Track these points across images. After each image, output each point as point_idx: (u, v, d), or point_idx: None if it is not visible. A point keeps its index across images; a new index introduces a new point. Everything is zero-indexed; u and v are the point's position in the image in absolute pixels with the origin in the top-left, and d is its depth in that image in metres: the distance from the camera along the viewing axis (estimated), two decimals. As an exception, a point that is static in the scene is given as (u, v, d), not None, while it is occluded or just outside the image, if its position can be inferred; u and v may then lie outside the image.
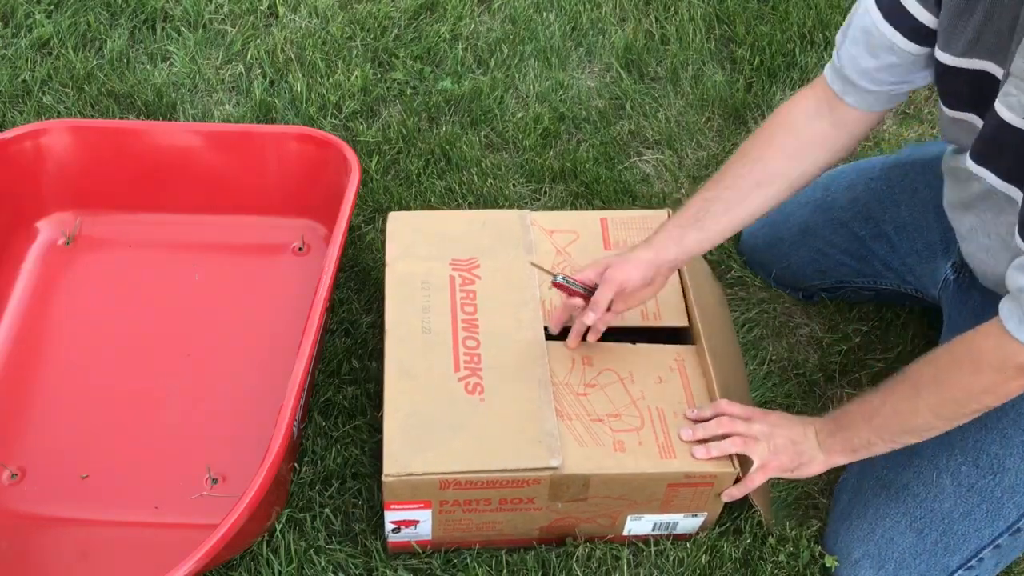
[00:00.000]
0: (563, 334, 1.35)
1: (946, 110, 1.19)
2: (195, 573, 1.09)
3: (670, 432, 1.25)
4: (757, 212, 1.28)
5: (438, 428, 1.22)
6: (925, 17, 1.12)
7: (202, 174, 1.66)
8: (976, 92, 1.11)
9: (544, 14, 2.17)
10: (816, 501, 1.42)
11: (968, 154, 1.15)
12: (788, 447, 1.22)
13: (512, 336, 1.33)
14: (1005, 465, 1.21)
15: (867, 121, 1.26)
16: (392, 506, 1.22)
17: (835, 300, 1.63)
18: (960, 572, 1.23)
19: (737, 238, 1.71)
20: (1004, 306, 1.05)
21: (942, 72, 1.14)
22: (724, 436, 1.22)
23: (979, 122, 1.13)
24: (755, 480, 1.21)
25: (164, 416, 1.45)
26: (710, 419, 1.25)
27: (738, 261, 1.71)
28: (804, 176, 1.27)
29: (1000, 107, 1.04)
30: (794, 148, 1.27)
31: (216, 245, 1.67)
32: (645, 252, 1.27)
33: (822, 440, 1.21)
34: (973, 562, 1.22)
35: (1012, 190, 1.10)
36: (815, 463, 1.22)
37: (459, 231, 1.47)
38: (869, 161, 1.59)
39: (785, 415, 1.27)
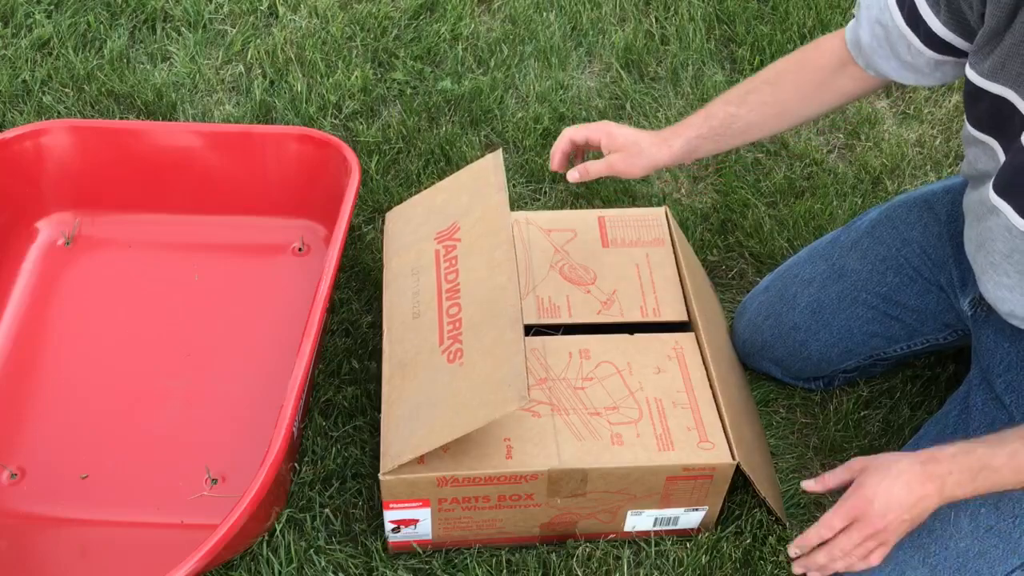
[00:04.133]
0: (556, 327, 1.37)
1: (971, 129, 1.17)
2: (195, 573, 1.09)
3: (668, 424, 1.25)
4: (764, 138, 1.42)
5: (422, 411, 1.21)
6: (945, 34, 1.14)
7: (202, 174, 1.66)
8: (997, 116, 1.10)
9: (544, 14, 2.17)
10: (820, 499, 1.41)
11: (991, 184, 1.13)
12: (908, 524, 1.09)
13: (487, 284, 1.29)
14: None
15: (886, 80, 1.30)
16: (391, 505, 1.22)
17: (854, 381, 1.53)
18: None
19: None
20: None
21: (970, 90, 1.12)
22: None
23: (999, 149, 1.12)
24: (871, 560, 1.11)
25: (164, 416, 1.45)
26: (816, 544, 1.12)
27: (738, 260, 1.72)
28: (818, 115, 1.37)
29: None
30: (816, 96, 1.33)
31: (216, 245, 1.67)
32: (657, 151, 1.33)
33: (951, 492, 1.08)
34: None
35: None
36: (928, 513, 1.10)
37: (441, 201, 1.47)
38: (862, 216, 1.51)
39: (891, 473, 1.08)
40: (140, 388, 1.48)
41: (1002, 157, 1.12)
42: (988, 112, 1.11)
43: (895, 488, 1.07)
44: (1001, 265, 1.17)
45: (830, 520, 1.10)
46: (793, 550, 1.13)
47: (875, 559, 1.11)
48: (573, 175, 1.34)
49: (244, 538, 1.22)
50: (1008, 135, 1.09)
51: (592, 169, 1.33)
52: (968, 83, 1.12)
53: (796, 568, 1.14)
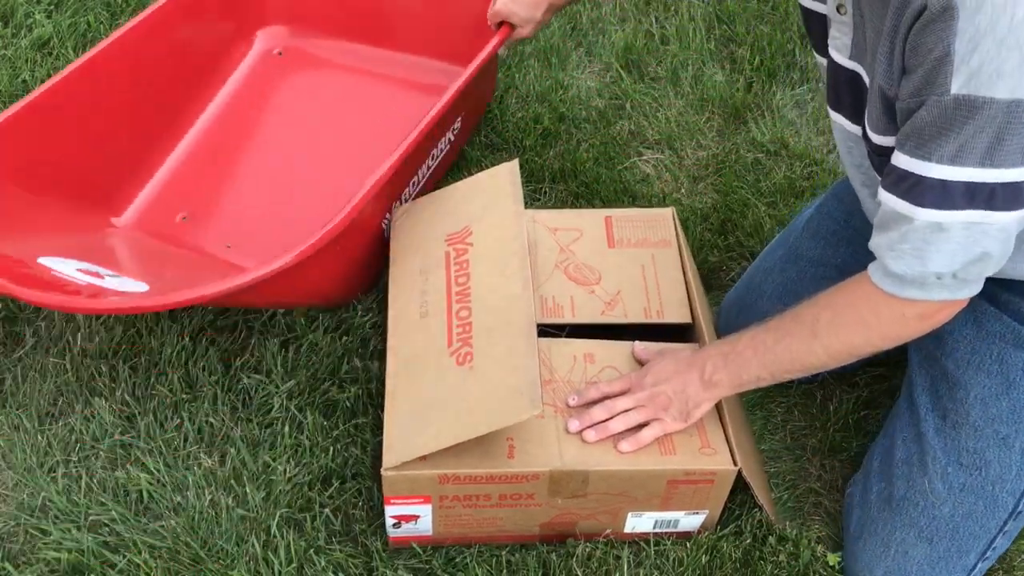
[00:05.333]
0: (561, 327, 1.37)
1: (816, 56, 1.23)
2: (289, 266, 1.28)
3: None
4: None
5: (429, 411, 1.21)
6: None
7: (416, 15, 1.94)
8: (819, 33, 1.17)
9: (544, 14, 2.17)
10: (820, 499, 1.42)
11: (827, 102, 1.21)
12: (674, 401, 1.22)
13: (500, 292, 1.30)
14: (986, 458, 1.22)
15: None
16: (392, 501, 1.22)
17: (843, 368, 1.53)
18: (979, 565, 1.24)
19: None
20: (875, 272, 1.09)
21: (802, 15, 1.21)
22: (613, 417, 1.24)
23: (825, 67, 1.19)
24: (645, 438, 1.22)
25: (313, 200, 1.71)
26: (595, 401, 1.26)
27: (738, 260, 1.72)
28: None
29: (831, 51, 1.13)
30: None
31: (409, 83, 1.96)
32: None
33: (709, 375, 1.20)
34: (988, 552, 1.24)
35: (860, 131, 1.15)
36: (703, 406, 1.22)
37: (452, 203, 1.47)
38: (812, 201, 1.55)
39: (668, 356, 1.27)
40: (303, 175, 1.77)
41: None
42: (815, 30, 1.18)
43: (666, 365, 1.24)
44: (856, 177, 1.25)
45: (612, 382, 1.27)
46: (572, 398, 1.26)
47: (647, 435, 1.22)
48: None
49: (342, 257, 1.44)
50: (824, 51, 1.16)
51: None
52: (800, 8, 1.20)
53: (571, 424, 1.24)
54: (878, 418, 1.49)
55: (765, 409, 1.51)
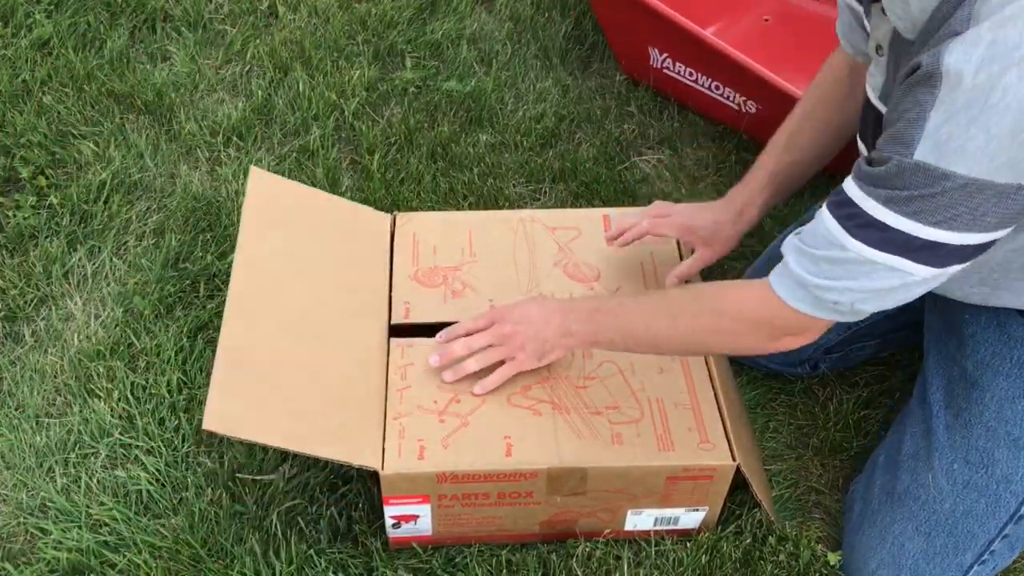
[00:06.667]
0: None
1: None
2: None
3: (669, 424, 1.25)
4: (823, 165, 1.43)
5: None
6: None
7: None
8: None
9: (546, 13, 2.17)
10: (820, 498, 1.41)
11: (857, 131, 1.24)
12: (532, 341, 1.25)
13: None
14: (994, 457, 1.22)
15: None
16: (391, 501, 1.22)
17: (840, 365, 1.53)
18: (976, 567, 1.23)
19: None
20: (775, 276, 1.08)
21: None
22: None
23: None
24: (494, 380, 1.26)
25: None
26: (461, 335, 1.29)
27: (738, 260, 1.71)
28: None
29: (867, 85, 1.17)
30: (851, 106, 1.33)
31: None
32: (735, 228, 1.40)
33: (568, 325, 1.23)
34: (986, 556, 1.23)
35: None
36: (556, 351, 1.26)
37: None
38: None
39: (534, 302, 1.28)
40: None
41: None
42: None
43: (533, 307, 1.27)
44: None
45: (477, 318, 1.28)
46: (439, 336, 1.30)
47: (493, 380, 1.26)
48: (672, 281, 1.41)
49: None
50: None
51: (685, 272, 1.41)
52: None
53: (432, 359, 1.28)
54: (878, 418, 1.49)
55: (767, 408, 1.51)
